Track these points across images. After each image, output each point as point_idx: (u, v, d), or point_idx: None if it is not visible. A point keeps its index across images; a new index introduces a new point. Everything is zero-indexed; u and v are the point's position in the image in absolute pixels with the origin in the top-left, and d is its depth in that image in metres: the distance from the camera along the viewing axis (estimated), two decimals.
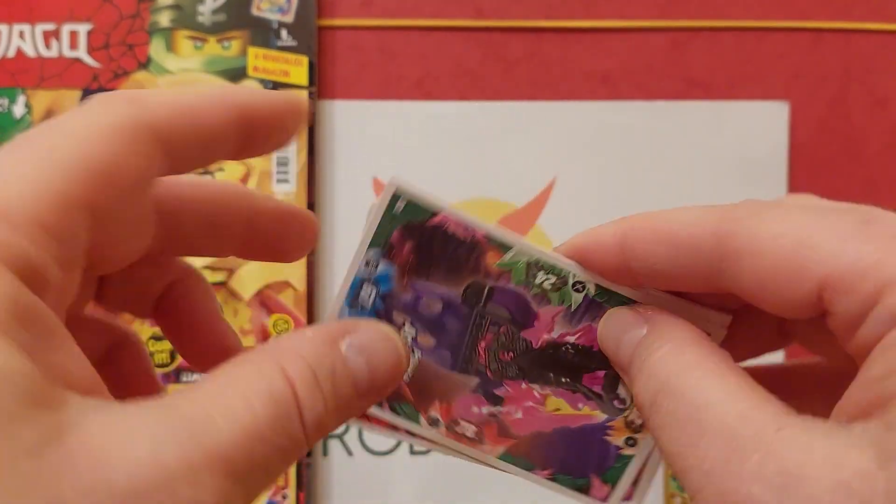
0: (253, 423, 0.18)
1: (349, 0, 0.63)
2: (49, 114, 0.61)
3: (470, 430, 0.27)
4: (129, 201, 0.20)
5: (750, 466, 0.18)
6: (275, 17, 0.61)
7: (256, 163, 0.61)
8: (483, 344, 0.26)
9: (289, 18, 0.61)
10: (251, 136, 0.22)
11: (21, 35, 0.61)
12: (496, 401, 0.27)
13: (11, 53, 0.61)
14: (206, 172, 0.61)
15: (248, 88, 0.22)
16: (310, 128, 0.62)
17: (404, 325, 0.26)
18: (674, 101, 0.63)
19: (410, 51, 0.63)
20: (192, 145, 0.21)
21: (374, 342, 0.23)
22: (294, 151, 0.61)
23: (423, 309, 0.26)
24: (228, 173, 0.61)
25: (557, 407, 0.26)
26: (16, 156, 0.18)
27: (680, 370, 0.22)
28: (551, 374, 0.26)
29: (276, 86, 0.61)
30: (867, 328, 0.19)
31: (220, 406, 0.18)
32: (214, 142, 0.21)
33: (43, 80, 0.61)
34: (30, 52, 0.61)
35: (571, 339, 0.26)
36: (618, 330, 0.25)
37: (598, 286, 0.25)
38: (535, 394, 0.26)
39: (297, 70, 0.61)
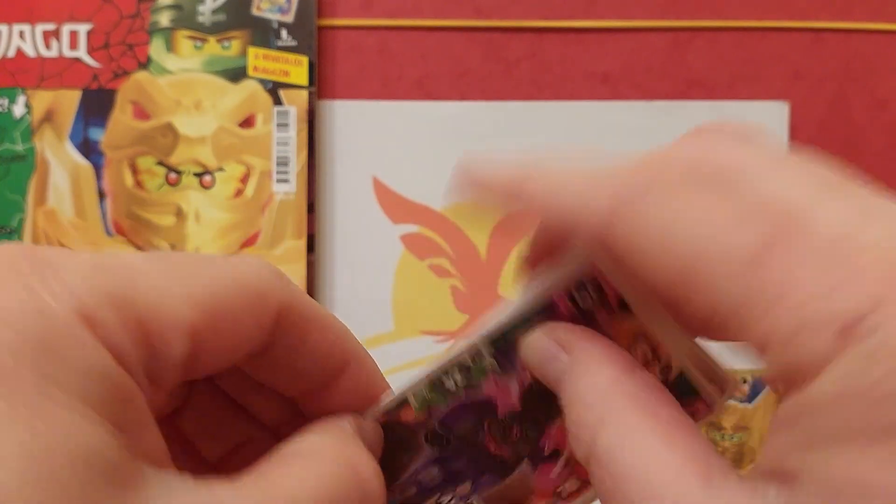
0: None
1: (349, 0, 0.63)
2: (49, 114, 0.61)
3: (573, 485, 0.27)
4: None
5: None
6: (275, 17, 0.61)
7: (256, 163, 0.61)
8: (493, 447, 0.26)
9: (289, 18, 0.61)
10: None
11: (21, 35, 0.61)
12: (554, 455, 0.26)
13: (11, 53, 0.61)
14: (205, 172, 0.61)
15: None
16: (310, 128, 0.62)
17: (440, 500, 0.26)
18: (674, 101, 0.63)
19: (410, 51, 0.63)
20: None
21: (370, 430, 0.24)
22: (294, 151, 0.61)
23: (429, 483, 0.26)
24: (228, 174, 0.61)
25: None
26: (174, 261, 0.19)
27: (607, 430, 0.20)
28: (554, 403, 0.26)
29: (276, 85, 0.61)
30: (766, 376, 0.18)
31: None
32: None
33: (43, 79, 0.61)
34: (30, 52, 0.61)
35: (527, 378, 0.25)
36: (538, 361, 0.23)
37: (489, 341, 0.24)
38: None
39: (297, 70, 0.61)
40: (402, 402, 0.25)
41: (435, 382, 0.25)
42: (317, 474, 0.20)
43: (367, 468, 0.21)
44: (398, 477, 0.26)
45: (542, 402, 0.25)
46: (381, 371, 0.26)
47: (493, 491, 0.27)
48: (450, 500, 0.27)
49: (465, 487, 0.27)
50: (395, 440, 0.26)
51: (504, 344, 0.24)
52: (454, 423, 0.26)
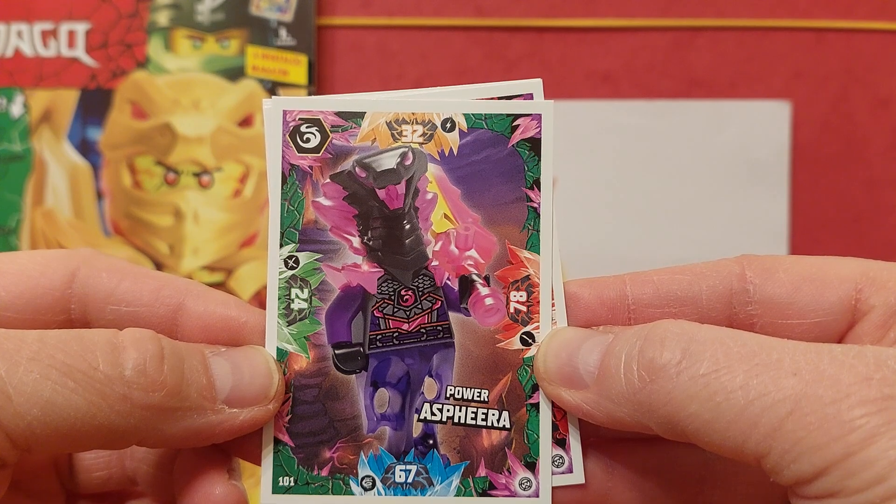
0: None
1: None
2: (47, 113, 0.61)
3: (521, 297, 0.27)
4: None
5: (865, 366, 0.20)
6: (274, 16, 0.61)
7: (255, 163, 0.61)
8: (404, 325, 0.26)
9: (288, 17, 0.61)
10: None
11: (19, 34, 0.61)
12: (465, 284, 0.26)
13: (9, 53, 0.61)
14: (204, 172, 0.61)
15: None
16: None
17: (421, 418, 0.26)
18: (675, 100, 0.63)
19: (410, 50, 0.63)
20: None
21: (241, 354, 0.26)
22: None
23: (392, 409, 0.26)
24: (227, 174, 0.61)
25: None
26: None
27: (702, 327, 0.23)
28: (396, 231, 0.26)
29: (275, 85, 0.61)
30: None
31: None
32: None
33: (41, 79, 0.61)
34: (28, 51, 0.61)
35: (351, 225, 0.26)
36: (574, 339, 0.25)
37: (285, 241, 0.26)
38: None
39: (296, 69, 0.61)
40: (283, 356, 0.25)
41: (286, 314, 0.25)
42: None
43: (126, 331, 0.24)
44: (354, 428, 0.26)
45: (389, 245, 0.26)
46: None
47: (460, 370, 0.26)
48: (432, 407, 0.26)
49: (430, 386, 0.26)
50: (318, 396, 0.25)
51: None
52: (341, 331, 0.26)
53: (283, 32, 0.61)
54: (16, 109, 0.61)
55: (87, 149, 0.61)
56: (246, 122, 0.61)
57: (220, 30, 0.61)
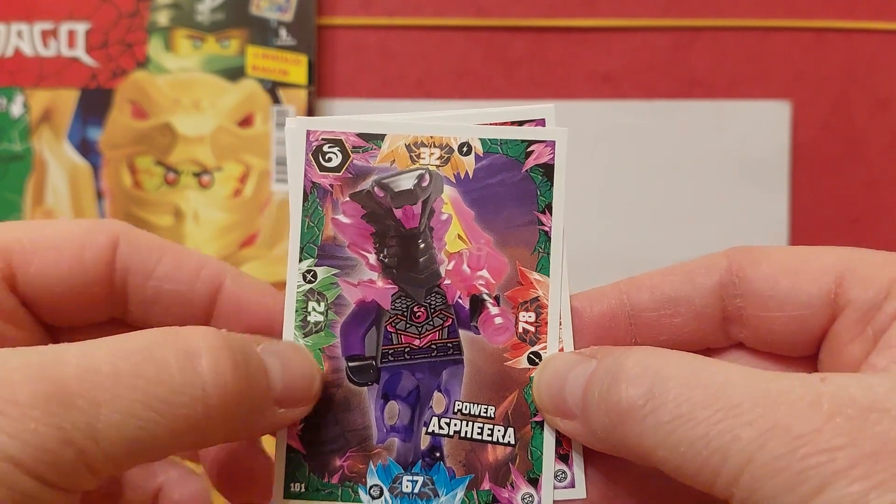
0: None
1: None
2: (47, 113, 0.61)
3: (529, 318, 0.27)
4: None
5: (818, 414, 0.20)
6: (274, 15, 0.61)
7: (255, 162, 0.61)
8: (415, 340, 0.27)
9: (288, 17, 0.61)
10: None
11: (19, 34, 0.61)
12: (475, 303, 0.27)
13: (10, 52, 0.61)
14: (204, 172, 0.61)
15: None
16: None
17: (429, 431, 0.27)
18: (676, 100, 0.63)
19: (410, 50, 0.63)
20: None
21: (289, 352, 0.26)
22: None
23: (401, 422, 0.27)
24: (227, 174, 0.61)
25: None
26: None
27: (670, 362, 0.23)
28: (411, 249, 0.27)
29: (275, 85, 0.61)
30: (885, 314, 0.23)
31: None
32: None
33: (41, 79, 0.61)
34: (28, 51, 0.61)
35: (368, 241, 0.26)
36: (562, 369, 0.26)
37: (303, 258, 0.26)
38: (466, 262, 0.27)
39: (296, 69, 0.61)
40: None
41: (302, 326, 0.25)
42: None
43: (191, 332, 0.23)
44: (364, 438, 0.27)
45: (404, 263, 0.27)
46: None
47: (468, 386, 0.27)
48: (440, 421, 0.27)
49: (439, 400, 0.27)
50: (331, 406, 0.26)
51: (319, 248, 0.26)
52: (355, 344, 0.26)
53: (283, 32, 0.61)
54: (16, 109, 0.61)
55: (87, 149, 0.61)
56: (246, 121, 0.61)
57: (220, 30, 0.61)
